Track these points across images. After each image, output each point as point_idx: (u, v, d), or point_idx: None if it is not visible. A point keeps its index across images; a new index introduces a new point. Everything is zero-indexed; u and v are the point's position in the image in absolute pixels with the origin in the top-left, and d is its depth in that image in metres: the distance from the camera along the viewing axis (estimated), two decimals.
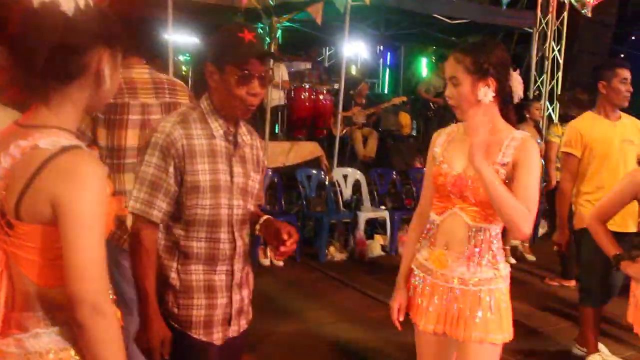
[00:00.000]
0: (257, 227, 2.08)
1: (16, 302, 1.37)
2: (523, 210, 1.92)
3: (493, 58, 2.03)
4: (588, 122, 3.74)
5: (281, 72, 8.37)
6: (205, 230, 1.94)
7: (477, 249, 2.06)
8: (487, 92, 2.02)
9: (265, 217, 2.11)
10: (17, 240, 1.34)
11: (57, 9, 1.30)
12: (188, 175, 1.89)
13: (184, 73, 10.42)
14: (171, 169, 1.88)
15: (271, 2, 8.34)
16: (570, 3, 8.53)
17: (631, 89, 3.62)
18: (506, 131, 2.09)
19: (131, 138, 2.61)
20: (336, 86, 8.35)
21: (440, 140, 2.23)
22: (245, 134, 2.05)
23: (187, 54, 11.10)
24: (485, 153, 1.96)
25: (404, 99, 9.12)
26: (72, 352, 1.40)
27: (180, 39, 9.76)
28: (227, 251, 1.98)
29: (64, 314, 1.36)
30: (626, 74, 3.61)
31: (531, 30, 8.57)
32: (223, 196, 1.94)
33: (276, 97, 8.24)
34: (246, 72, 1.86)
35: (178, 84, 2.82)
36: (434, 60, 10.98)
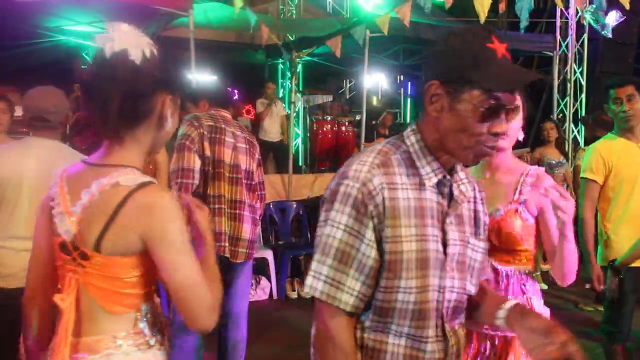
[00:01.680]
0: (501, 318, 1.42)
1: (82, 328, 1.46)
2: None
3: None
4: (609, 145, 3.47)
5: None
6: (407, 324, 1.36)
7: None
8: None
9: (513, 303, 1.45)
10: (92, 270, 1.44)
11: (127, 59, 1.42)
12: (388, 243, 1.32)
13: None
14: (369, 234, 1.31)
15: (291, 38, 8.51)
16: (590, 25, 8.52)
17: (625, 109, 3.28)
18: (519, 169, 2.08)
19: (227, 155, 3.18)
20: (358, 117, 8.40)
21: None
22: (463, 182, 1.46)
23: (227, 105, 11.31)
24: (502, 194, 1.95)
25: None
26: None
27: (202, 77, 9.97)
28: (436, 354, 1.38)
29: (130, 336, 1.47)
30: (619, 92, 3.32)
31: (551, 54, 8.54)
32: (432, 274, 1.36)
33: (276, 132, 8.42)
34: (495, 101, 1.31)
35: (248, 131, 3.51)
36: None
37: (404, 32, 7.10)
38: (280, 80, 10.85)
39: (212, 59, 9.18)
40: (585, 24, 8.54)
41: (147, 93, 1.46)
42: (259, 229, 3.48)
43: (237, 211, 3.18)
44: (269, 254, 5.82)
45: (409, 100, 13.45)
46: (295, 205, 6.51)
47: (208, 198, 3.09)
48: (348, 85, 13.43)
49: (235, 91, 11.50)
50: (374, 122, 8.92)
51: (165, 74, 1.51)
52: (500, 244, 1.99)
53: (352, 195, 1.31)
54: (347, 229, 1.31)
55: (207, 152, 3.10)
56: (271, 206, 6.34)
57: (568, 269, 1.94)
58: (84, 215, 1.43)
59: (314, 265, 1.34)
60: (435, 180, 1.38)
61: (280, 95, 10.47)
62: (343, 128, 8.57)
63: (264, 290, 5.79)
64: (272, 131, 8.43)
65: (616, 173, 3.39)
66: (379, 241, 1.32)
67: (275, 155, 8.52)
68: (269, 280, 5.83)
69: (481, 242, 1.50)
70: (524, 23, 6.20)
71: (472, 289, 1.47)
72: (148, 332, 1.51)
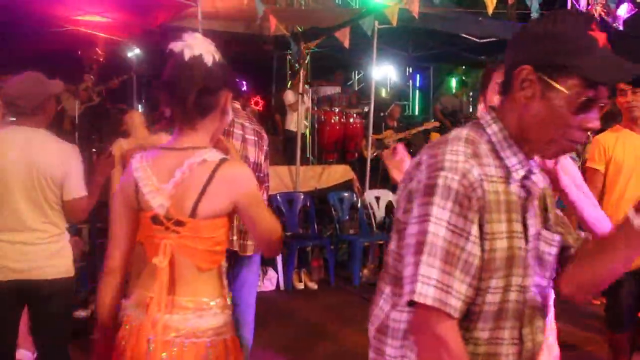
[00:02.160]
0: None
1: (177, 288, 1.75)
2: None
3: None
4: (611, 134, 3.57)
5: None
6: (488, 327, 1.28)
7: None
8: None
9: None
10: (187, 233, 1.74)
11: (202, 62, 1.75)
12: (487, 240, 1.23)
13: None
14: (474, 230, 1.21)
15: (299, 29, 8.47)
16: (601, 17, 8.42)
17: (629, 99, 3.35)
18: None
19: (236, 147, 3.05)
20: (366, 109, 8.37)
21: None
22: (536, 173, 1.37)
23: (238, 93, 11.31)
24: None
25: (437, 124, 9.10)
26: (229, 336, 1.81)
27: None
28: (510, 357, 1.32)
29: (217, 298, 1.79)
30: (622, 85, 3.37)
31: None
32: (516, 273, 1.28)
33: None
34: (594, 93, 1.23)
35: (255, 121, 3.38)
36: (464, 80, 10.98)
37: (412, 24, 7.05)
38: (288, 72, 10.83)
39: (220, 50, 9.16)
40: (596, 15, 8.46)
41: (216, 90, 1.79)
42: None
43: None
44: None
45: (417, 92, 13.40)
46: (302, 197, 6.51)
47: None
48: (356, 77, 13.38)
49: (244, 82, 11.53)
50: (382, 114, 8.88)
51: (227, 74, 1.82)
52: None
53: (454, 189, 1.19)
54: (450, 226, 1.19)
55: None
56: (278, 197, 6.35)
57: None
58: (176, 190, 1.74)
59: (422, 269, 1.18)
60: (522, 172, 1.30)
61: (288, 86, 10.45)
62: (351, 120, 8.54)
63: (271, 281, 5.80)
64: (295, 122, 8.38)
65: (615, 162, 3.50)
66: (481, 238, 1.22)
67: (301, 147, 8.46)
68: (276, 271, 5.84)
69: (555, 234, 1.39)
70: (534, 15, 6.13)
71: (549, 287, 1.38)
72: (227, 288, 1.89)
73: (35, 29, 8.27)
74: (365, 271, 6.22)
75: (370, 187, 7.18)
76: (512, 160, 1.29)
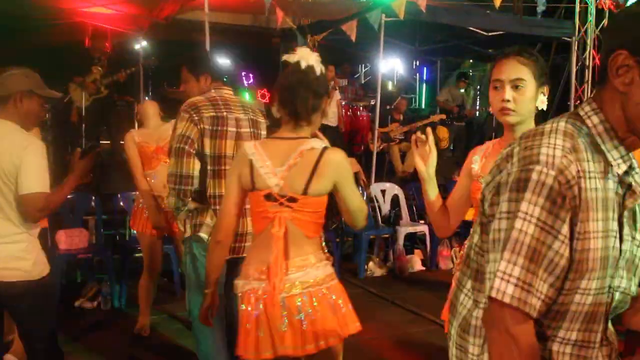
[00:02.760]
0: None
1: (290, 252, 2.21)
2: None
3: (544, 66, 2.02)
4: None
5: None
6: (577, 328, 1.24)
7: None
8: (544, 100, 2.02)
9: None
10: (299, 208, 2.20)
11: (314, 71, 2.23)
12: (580, 240, 1.17)
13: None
14: (565, 229, 1.15)
15: (306, 21, 8.45)
16: (610, 10, 8.36)
17: None
18: None
19: (229, 147, 2.97)
20: (372, 102, 8.36)
21: (476, 157, 2.21)
22: (637, 172, 1.28)
23: (225, 77, 11.29)
24: None
25: (443, 116, 9.07)
26: (337, 280, 2.35)
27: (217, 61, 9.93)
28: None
29: (318, 255, 2.29)
30: None
31: (570, 40, 8.41)
32: (609, 274, 1.23)
33: (333, 116, 8.32)
34: None
35: (253, 106, 3.26)
36: (464, 72, 10.96)
37: (420, 17, 7.03)
38: None
39: (226, 43, 9.15)
40: (605, 9, 8.39)
41: (322, 94, 2.27)
42: None
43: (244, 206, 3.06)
44: None
45: (424, 85, 13.36)
46: None
47: (209, 199, 2.94)
48: (363, 70, 13.35)
49: (251, 75, 11.52)
50: (388, 107, 8.86)
51: (328, 82, 2.39)
52: None
53: (548, 185, 1.13)
54: (539, 224, 1.13)
55: (207, 150, 2.92)
56: None
57: None
58: (289, 172, 2.19)
59: (502, 265, 1.15)
60: (624, 167, 1.21)
61: None
62: (358, 112, 8.54)
63: None
64: (330, 115, 8.37)
65: None
66: (571, 238, 1.15)
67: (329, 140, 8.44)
68: None
69: None
70: (540, 8, 6.10)
71: (635, 290, 1.31)
72: (325, 249, 2.35)
73: (43, 22, 8.29)
74: (371, 264, 6.22)
75: (376, 180, 7.18)
76: (614, 153, 1.21)
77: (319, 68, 2.23)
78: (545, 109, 2.04)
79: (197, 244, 3.00)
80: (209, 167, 2.93)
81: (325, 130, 8.30)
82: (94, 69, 7.05)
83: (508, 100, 1.98)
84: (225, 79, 3.32)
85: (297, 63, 2.21)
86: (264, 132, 3.16)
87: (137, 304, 4.99)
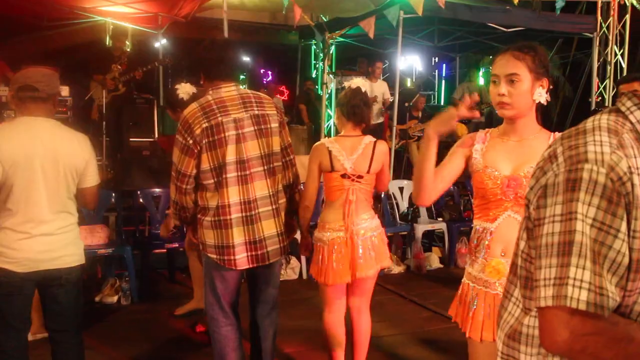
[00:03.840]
0: None
1: (358, 210, 3.19)
2: None
3: (546, 60, 2.07)
4: None
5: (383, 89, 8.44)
6: None
7: None
8: (542, 93, 2.05)
9: None
10: (363, 182, 3.21)
11: (366, 92, 3.29)
12: (635, 238, 1.11)
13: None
14: (623, 227, 1.09)
15: (324, 19, 8.46)
16: (633, 6, 8.24)
17: None
18: (544, 131, 2.13)
19: (231, 153, 2.84)
20: (391, 99, 8.33)
21: (477, 146, 2.20)
22: None
23: (243, 73, 11.34)
24: (535, 154, 1.94)
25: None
26: (382, 229, 3.33)
27: None
28: None
29: (372, 213, 3.31)
30: (625, 89, 3.25)
31: (591, 35, 8.31)
32: None
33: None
34: None
35: (264, 97, 3.06)
36: (479, 67, 10.87)
37: (439, 13, 7.00)
38: (313, 62, 10.82)
39: (244, 40, 9.19)
40: (627, 4, 8.27)
41: (371, 107, 3.42)
42: (284, 217, 3.10)
43: (252, 212, 2.88)
44: (297, 235, 5.84)
45: (443, 82, 13.28)
46: (322, 187, 6.51)
47: (208, 211, 2.86)
48: (382, 67, 13.30)
49: (269, 72, 11.57)
50: (406, 104, 8.83)
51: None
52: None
53: (601, 183, 1.08)
54: (596, 224, 1.07)
55: (205, 165, 2.82)
56: (301, 187, 6.34)
57: None
58: (358, 159, 3.18)
59: (571, 271, 1.07)
60: None
61: (313, 76, 10.46)
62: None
63: (294, 270, 5.85)
64: (375, 112, 8.37)
65: None
66: (629, 236, 1.10)
67: (377, 134, 8.43)
68: (299, 260, 5.88)
69: None
70: (559, 4, 6.02)
71: None
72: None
73: (64, 21, 8.40)
74: None
75: (394, 178, 7.16)
76: None
77: (366, 86, 3.29)
78: (544, 102, 2.08)
79: (209, 260, 2.95)
80: (210, 181, 2.84)
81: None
82: (114, 67, 7.14)
83: (503, 94, 2.05)
84: (242, 77, 3.31)
85: (358, 88, 3.24)
86: (274, 125, 2.97)
87: (155, 299, 5.06)
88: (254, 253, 2.90)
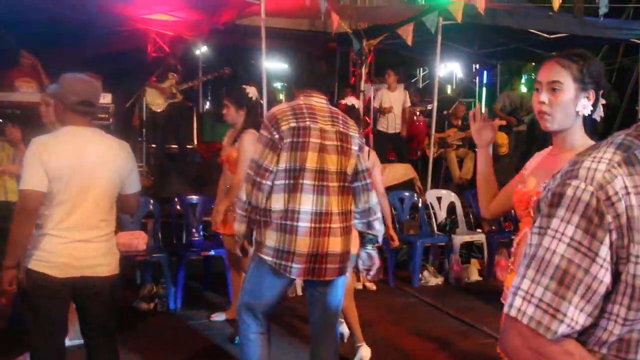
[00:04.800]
0: None
1: None
2: None
3: (595, 70, 1.93)
4: None
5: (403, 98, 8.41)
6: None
7: None
8: (586, 105, 1.93)
9: None
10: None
11: (354, 106, 3.87)
12: (637, 264, 1.02)
13: (280, 99, 10.68)
14: (603, 252, 1.02)
15: (362, 26, 8.41)
16: None
17: None
18: (583, 147, 1.97)
19: (310, 160, 2.81)
20: (429, 107, 8.23)
21: (531, 161, 2.16)
22: None
23: (282, 81, 11.37)
24: (551, 170, 1.89)
25: (503, 122, 8.81)
26: None
27: (273, 66, 10.04)
28: None
29: None
30: None
31: (639, 41, 8.05)
32: None
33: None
34: None
35: (348, 119, 3.02)
36: (521, 73, 10.65)
37: (479, 20, 6.87)
38: (350, 69, 10.78)
39: (283, 47, 9.22)
40: None
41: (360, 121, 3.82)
42: (353, 237, 3.01)
43: (322, 225, 2.81)
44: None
45: (484, 89, 13.07)
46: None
47: (271, 214, 2.80)
48: (422, 74, 13.19)
49: None
50: (445, 112, 8.71)
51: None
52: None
53: (584, 201, 1.02)
54: (573, 244, 1.02)
55: (283, 164, 2.79)
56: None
57: None
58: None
59: (524, 283, 1.05)
60: None
61: (351, 83, 10.41)
62: (414, 117, 8.42)
63: None
64: (390, 122, 8.35)
65: None
66: (616, 262, 1.02)
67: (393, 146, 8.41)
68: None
69: None
70: (602, 10, 5.82)
71: None
72: None
73: (108, 29, 8.57)
74: (425, 273, 6.12)
75: (432, 187, 7.05)
76: None
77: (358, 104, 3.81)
78: (587, 114, 1.95)
79: (261, 263, 2.87)
80: (281, 182, 2.79)
81: (387, 137, 8.26)
82: (170, 75, 7.26)
83: (543, 102, 1.94)
84: (282, 84, 3.29)
85: (352, 106, 3.78)
86: (354, 148, 2.93)
87: (191, 307, 5.09)
88: (311, 266, 2.81)
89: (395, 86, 8.47)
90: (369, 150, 3.08)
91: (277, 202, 2.80)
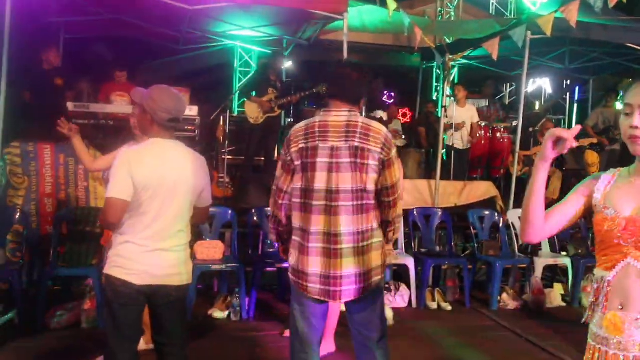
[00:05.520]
0: None
1: None
2: None
3: None
4: None
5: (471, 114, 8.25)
6: None
7: None
8: None
9: None
10: None
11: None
12: None
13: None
14: None
15: (447, 40, 8.28)
16: None
17: None
18: None
19: (319, 180, 2.79)
20: (515, 123, 7.95)
21: (600, 185, 1.97)
22: None
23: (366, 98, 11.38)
24: None
25: (594, 140, 8.39)
26: None
27: None
28: None
29: None
30: None
31: None
32: None
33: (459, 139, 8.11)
34: None
35: (374, 130, 2.81)
36: (616, 90, 10.07)
37: (569, 33, 6.58)
38: (434, 84, 10.64)
39: (367, 62, 9.22)
40: None
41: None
42: (378, 255, 2.87)
43: (332, 246, 2.77)
44: (410, 262, 5.71)
45: (575, 105, 12.51)
46: (440, 213, 6.33)
47: (300, 232, 2.85)
48: (508, 90, 12.79)
49: (392, 94, 11.53)
50: (531, 129, 8.39)
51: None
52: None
53: None
54: None
55: (298, 183, 2.85)
56: (415, 212, 6.22)
57: None
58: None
59: None
60: None
61: (434, 98, 10.27)
62: (498, 134, 8.16)
63: (403, 297, 5.70)
64: (456, 138, 8.24)
65: None
66: None
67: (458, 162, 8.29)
68: (409, 288, 5.73)
69: None
70: None
71: None
72: None
73: (196, 45, 8.93)
74: (505, 296, 5.87)
75: (515, 207, 6.79)
76: None
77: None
78: None
79: (291, 283, 2.93)
80: (298, 200, 2.85)
81: (460, 152, 8.07)
82: (270, 90, 7.47)
83: (637, 127, 1.77)
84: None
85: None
86: (372, 162, 2.78)
87: (264, 318, 5.14)
88: (326, 288, 2.79)
89: (464, 102, 8.26)
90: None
91: (296, 220, 2.88)
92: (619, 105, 9.73)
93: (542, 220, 1.96)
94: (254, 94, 7.49)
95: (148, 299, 2.83)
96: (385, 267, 2.99)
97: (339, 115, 2.85)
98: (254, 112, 7.42)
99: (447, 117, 7.60)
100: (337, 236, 2.78)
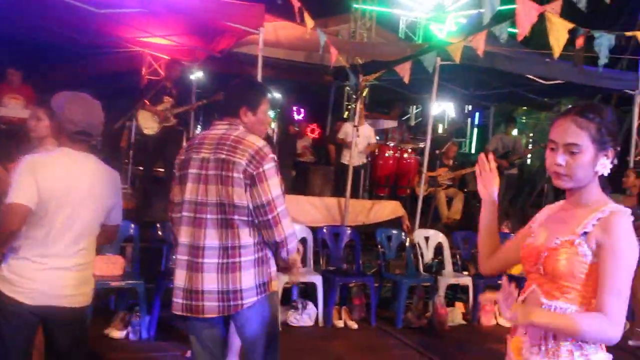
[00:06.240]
0: None
1: None
2: (599, 323, 1.67)
3: (612, 127, 1.81)
4: None
5: (368, 133, 8.35)
6: None
7: (551, 335, 1.77)
8: (605, 164, 1.81)
9: None
10: None
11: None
12: None
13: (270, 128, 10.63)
14: None
15: (360, 61, 8.43)
16: None
17: None
18: (597, 203, 1.82)
19: (189, 192, 2.73)
20: (422, 145, 8.20)
21: (538, 215, 2.02)
22: None
23: (276, 110, 11.35)
24: (564, 225, 1.80)
25: (505, 163, 8.82)
26: None
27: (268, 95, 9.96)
28: None
29: None
30: None
31: (633, 92, 8.08)
32: None
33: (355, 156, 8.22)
34: None
35: (244, 143, 2.68)
36: (514, 117, 10.72)
37: (477, 62, 6.87)
38: (345, 103, 10.79)
39: (278, 78, 9.21)
40: None
41: None
42: (250, 273, 2.67)
43: (196, 259, 2.67)
44: (317, 279, 5.68)
45: (475, 130, 13.13)
46: (349, 231, 6.36)
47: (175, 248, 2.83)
48: (414, 112, 13.23)
49: (302, 110, 11.58)
50: (437, 152, 8.67)
51: None
52: (550, 276, 1.81)
53: None
54: None
55: (177, 197, 2.80)
56: (324, 230, 6.22)
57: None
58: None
59: None
60: None
61: (345, 117, 10.41)
62: (405, 155, 8.39)
63: (310, 316, 5.65)
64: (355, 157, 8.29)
65: None
66: None
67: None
68: (316, 306, 5.69)
69: None
70: (602, 60, 5.83)
71: None
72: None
73: (106, 49, 8.55)
74: (409, 314, 5.97)
75: (421, 226, 6.96)
76: None
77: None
78: (606, 173, 1.83)
79: None
80: (179, 213, 2.79)
81: (344, 170, 8.19)
82: (165, 99, 7.17)
83: (560, 165, 1.81)
84: (275, 112, 3.18)
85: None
86: (236, 175, 2.61)
87: (165, 337, 4.91)
88: (188, 302, 2.68)
89: (363, 122, 8.40)
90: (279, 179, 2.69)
91: (176, 232, 2.84)
92: (515, 132, 10.30)
93: (489, 254, 2.11)
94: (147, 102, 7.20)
95: (42, 321, 2.60)
96: (273, 290, 2.79)
97: (218, 128, 2.81)
98: (148, 122, 7.14)
99: (358, 136, 7.69)
100: (200, 249, 2.68)
